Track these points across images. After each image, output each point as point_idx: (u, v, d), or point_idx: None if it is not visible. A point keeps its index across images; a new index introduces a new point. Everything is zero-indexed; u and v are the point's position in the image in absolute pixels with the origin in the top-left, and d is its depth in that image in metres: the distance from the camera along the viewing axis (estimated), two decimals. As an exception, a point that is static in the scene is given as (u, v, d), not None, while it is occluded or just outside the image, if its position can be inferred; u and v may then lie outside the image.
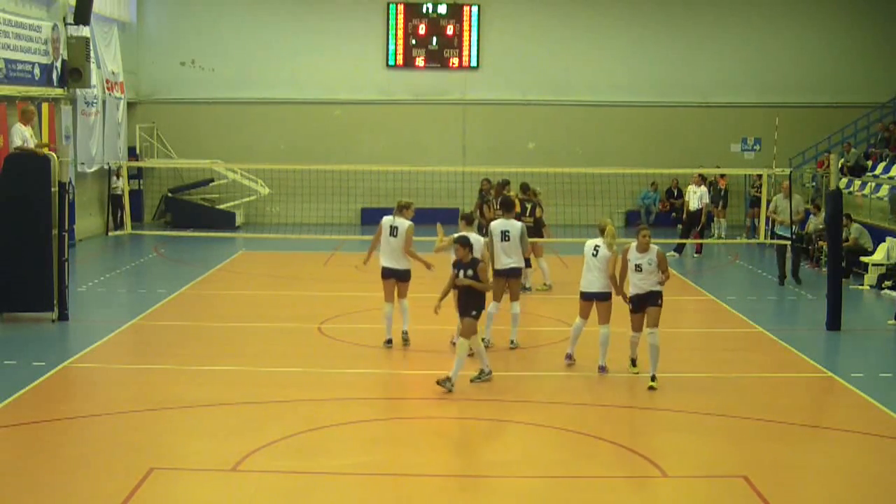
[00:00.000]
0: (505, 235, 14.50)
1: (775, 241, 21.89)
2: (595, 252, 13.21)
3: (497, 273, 14.48)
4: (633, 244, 12.78)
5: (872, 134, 30.89)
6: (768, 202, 22.70)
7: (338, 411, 11.61)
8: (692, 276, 22.17)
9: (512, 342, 14.71)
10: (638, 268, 12.71)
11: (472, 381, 12.79)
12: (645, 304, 12.76)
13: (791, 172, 25.75)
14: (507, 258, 14.49)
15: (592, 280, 13.26)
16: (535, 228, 19.22)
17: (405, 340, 14.84)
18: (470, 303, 12.61)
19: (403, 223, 14.64)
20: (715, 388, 12.97)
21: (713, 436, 11.13)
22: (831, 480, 9.87)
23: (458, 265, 12.77)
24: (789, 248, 21.19)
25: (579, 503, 9.21)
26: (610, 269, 13.23)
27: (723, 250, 26.70)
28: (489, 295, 13.59)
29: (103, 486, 9.19)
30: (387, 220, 14.75)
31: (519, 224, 14.70)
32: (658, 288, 12.71)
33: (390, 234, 14.61)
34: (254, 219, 31.44)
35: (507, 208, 15.06)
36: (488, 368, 12.97)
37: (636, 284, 12.78)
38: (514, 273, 14.60)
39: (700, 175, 25.56)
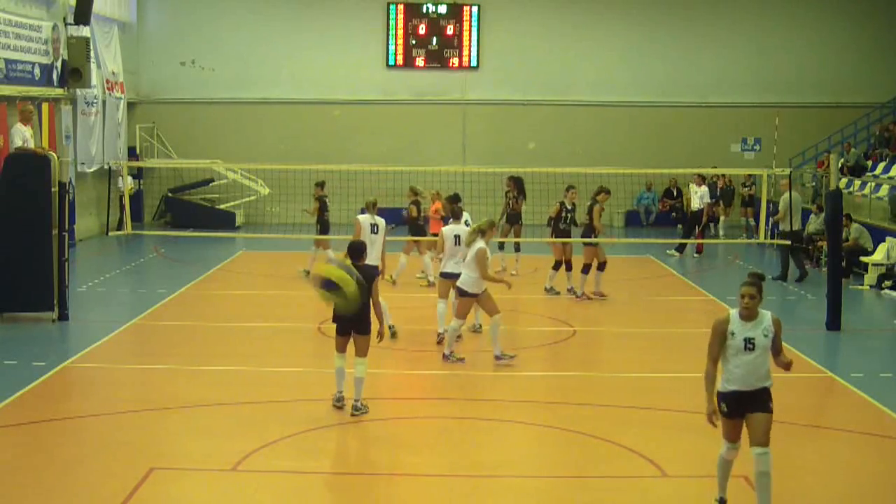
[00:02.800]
0: (458, 240, 14.85)
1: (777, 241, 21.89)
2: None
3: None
4: (732, 311, 8.55)
5: (872, 134, 30.89)
6: (769, 202, 22.67)
7: (338, 411, 11.60)
8: (692, 276, 22.17)
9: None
10: (748, 345, 8.38)
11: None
12: (748, 406, 8.43)
13: (791, 172, 25.77)
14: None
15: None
16: (418, 227, 20.37)
17: (393, 335, 15.10)
18: (369, 317, 11.40)
19: (381, 221, 15.13)
20: (715, 388, 12.95)
21: (713, 436, 11.09)
22: (831, 480, 9.87)
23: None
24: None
25: (579, 503, 9.21)
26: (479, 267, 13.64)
27: (723, 250, 26.69)
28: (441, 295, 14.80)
29: (103, 486, 9.19)
30: (365, 219, 15.12)
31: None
32: (769, 382, 8.48)
33: (372, 232, 14.91)
34: (254, 219, 31.44)
35: (457, 216, 15.48)
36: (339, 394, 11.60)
37: (738, 375, 8.41)
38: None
39: (699, 175, 25.56)
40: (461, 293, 13.75)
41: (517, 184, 21.78)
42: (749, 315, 8.40)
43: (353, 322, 11.32)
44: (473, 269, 13.62)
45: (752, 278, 8.56)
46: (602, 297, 18.87)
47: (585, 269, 18.89)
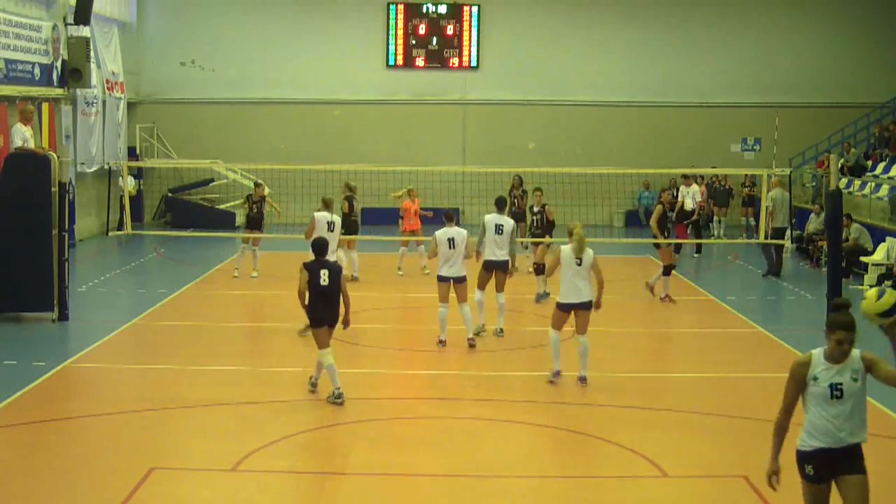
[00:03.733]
0: (499, 229, 15.27)
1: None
2: (579, 262, 12.52)
3: (487, 264, 15.37)
4: (816, 351, 6.96)
5: (872, 134, 30.90)
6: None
7: (338, 411, 11.60)
8: (692, 276, 22.16)
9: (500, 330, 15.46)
10: (835, 392, 6.93)
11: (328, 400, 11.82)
12: (840, 466, 7.10)
13: (791, 172, 25.81)
14: (500, 250, 15.29)
15: (577, 289, 12.56)
16: (351, 223, 20.71)
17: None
18: (339, 308, 11.83)
19: (338, 219, 15.72)
20: (715, 388, 12.97)
21: (713, 436, 11.13)
22: (831, 480, 9.85)
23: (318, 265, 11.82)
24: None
25: (579, 503, 9.21)
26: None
27: (723, 250, 26.69)
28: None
29: (103, 486, 9.19)
30: (322, 216, 15.79)
31: (511, 221, 15.65)
32: (864, 437, 7.27)
33: (328, 230, 15.57)
34: (254, 219, 31.41)
35: (500, 206, 15.78)
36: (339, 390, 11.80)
37: (825, 429, 6.94)
38: (502, 265, 15.35)
39: (684, 175, 25.60)
40: (589, 307, 12.68)
41: (523, 182, 21.93)
42: (840, 358, 6.82)
43: (330, 315, 11.82)
44: (593, 277, 12.62)
45: (847, 314, 6.81)
46: (671, 301, 18.67)
47: (666, 270, 18.63)
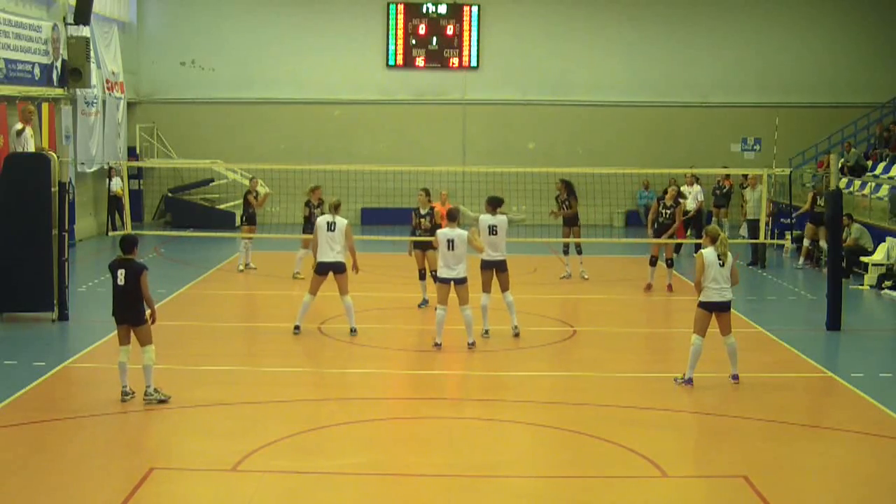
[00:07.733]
0: (493, 230, 15.25)
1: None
2: (722, 263, 12.82)
3: (485, 264, 15.35)
4: None
5: (872, 134, 30.90)
6: (770, 202, 22.93)
7: (338, 411, 11.61)
8: (692, 276, 22.12)
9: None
10: None
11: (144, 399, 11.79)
12: None
13: (791, 172, 25.82)
14: (494, 251, 15.31)
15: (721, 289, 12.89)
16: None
17: (352, 332, 15.36)
18: (141, 308, 11.87)
19: (342, 220, 15.36)
20: (715, 388, 12.96)
21: (713, 436, 11.13)
22: (831, 480, 9.87)
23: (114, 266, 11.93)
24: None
25: (579, 503, 9.21)
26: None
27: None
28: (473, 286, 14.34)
29: (103, 486, 9.19)
30: (323, 219, 15.44)
31: (505, 218, 15.61)
32: None
33: (328, 230, 15.24)
34: (254, 219, 31.43)
35: (494, 205, 15.61)
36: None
37: None
38: (501, 265, 15.38)
39: (693, 175, 25.63)
40: (729, 307, 13.10)
41: (567, 187, 21.20)
42: None
43: (128, 314, 11.87)
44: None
45: None
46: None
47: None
